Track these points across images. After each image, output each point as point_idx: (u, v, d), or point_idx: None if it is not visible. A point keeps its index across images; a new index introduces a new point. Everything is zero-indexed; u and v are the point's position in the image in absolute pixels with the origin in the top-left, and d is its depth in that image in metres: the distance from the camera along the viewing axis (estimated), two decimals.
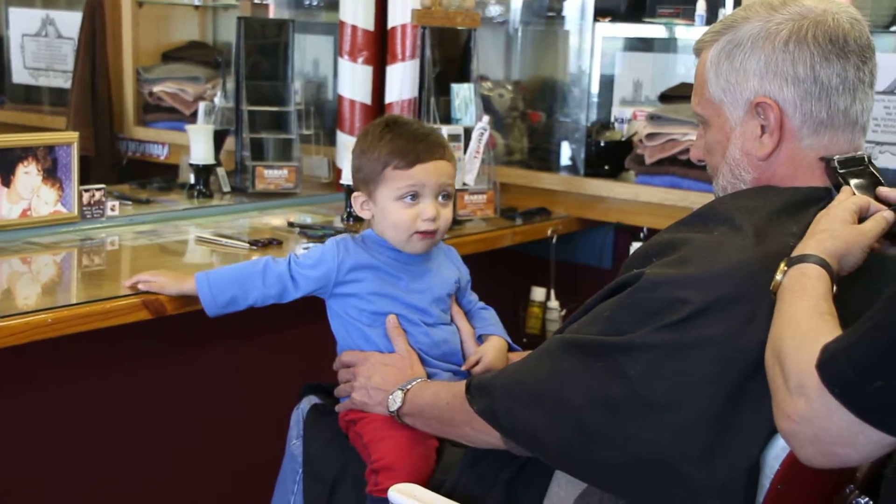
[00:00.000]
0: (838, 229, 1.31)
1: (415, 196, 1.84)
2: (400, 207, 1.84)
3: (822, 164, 1.48)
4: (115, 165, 3.77)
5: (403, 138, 1.84)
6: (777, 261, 1.34)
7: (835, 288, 1.25)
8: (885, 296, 1.09)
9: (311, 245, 2.22)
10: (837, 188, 1.44)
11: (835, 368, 1.09)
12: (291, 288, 1.87)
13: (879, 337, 1.07)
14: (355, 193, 1.91)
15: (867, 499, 1.40)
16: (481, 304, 2.03)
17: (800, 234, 1.39)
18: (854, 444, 1.10)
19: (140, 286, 1.95)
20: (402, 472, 1.76)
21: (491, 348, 1.93)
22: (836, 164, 1.45)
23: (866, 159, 1.46)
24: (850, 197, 1.38)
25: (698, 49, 1.59)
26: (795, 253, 1.29)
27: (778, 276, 1.28)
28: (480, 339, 1.96)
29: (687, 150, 2.70)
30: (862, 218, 1.35)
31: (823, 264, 1.26)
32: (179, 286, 1.93)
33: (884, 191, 1.41)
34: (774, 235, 1.40)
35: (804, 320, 1.19)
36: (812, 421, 1.12)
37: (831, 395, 1.09)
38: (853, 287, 1.32)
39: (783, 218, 1.42)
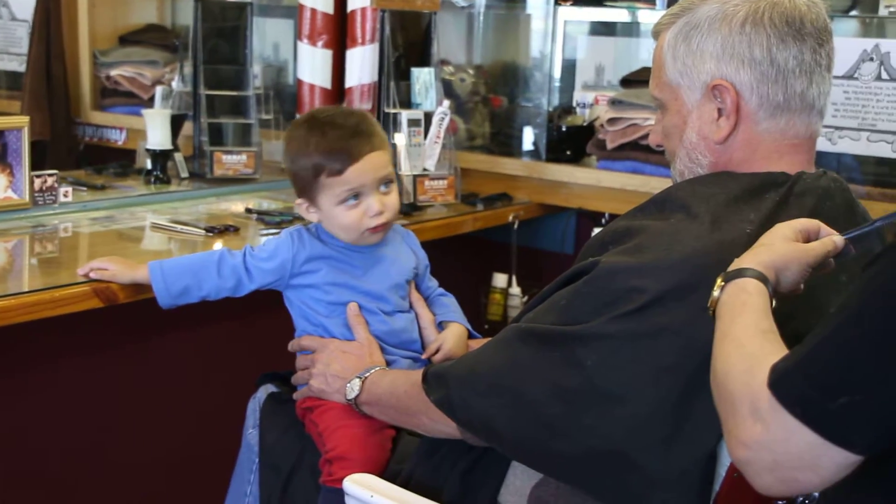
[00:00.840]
0: (777, 244, 1.26)
1: (356, 196, 1.80)
2: (344, 210, 1.80)
3: (779, 147, 1.46)
4: (72, 150, 3.71)
5: (329, 139, 1.79)
6: (734, 248, 1.33)
7: (773, 302, 1.20)
8: (836, 307, 1.05)
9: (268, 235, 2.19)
10: None
11: (792, 387, 1.03)
12: (246, 280, 1.84)
13: (836, 349, 1.02)
14: (298, 200, 1.86)
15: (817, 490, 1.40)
16: (441, 290, 2.02)
17: (757, 221, 1.38)
18: (816, 467, 1.02)
19: (92, 274, 1.91)
20: (356, 461, 1.74)
21: (451, 336, 1.91)
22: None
23: None
24: (799, 218, 1.32)
25: (656, 32, 1.58)
26: (732, 267, 1.24)
27: (715, 293, 1.22)
28: (441, 326, 1.94)
29: (648, 135, 2.68)
30: (809, 239, 1.29)
31: (761, 278, 1.20)
32: (132, 274, 1.89)
33: None
34: (731, 222, 1.39)
35: (748, 340, 1.13)
36: (770, 446, 1.04)
37: (791, 415, 1.02)
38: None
39: (740, 204, 1.41)
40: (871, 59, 2.54)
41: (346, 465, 1.72)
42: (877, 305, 1.00)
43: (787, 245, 1.25)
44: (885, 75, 2.52)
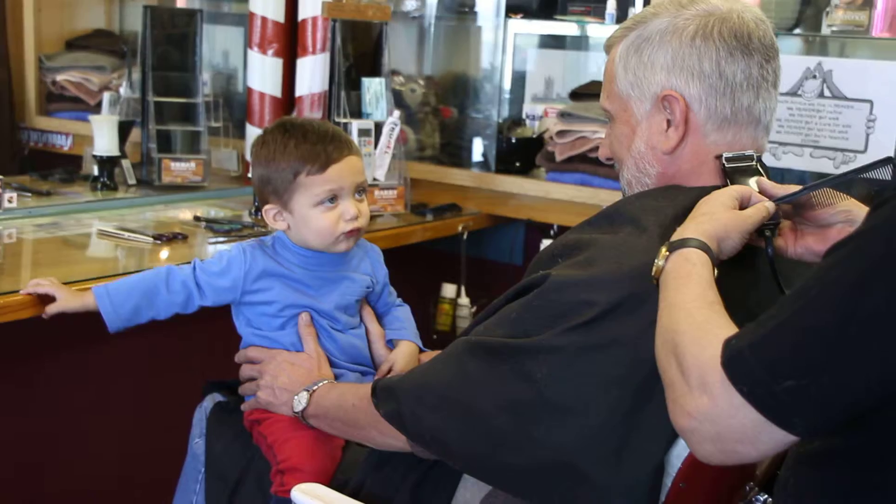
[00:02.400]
0: (718, 213, 1.31)
1: (333, 199, 1.79)
2: (320, 213, 1.79)
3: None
4: (16, 155, 3.67)
5: (309, 141, 1.78)
6: None
7: (716, 272, 1.24)
8: (793, 291, 1.08)
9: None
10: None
11: (743, 366, 1.06)
12: (197, 296, 1.82)
13: (789, 334, 1.05)
14: (266, 206, 1.84)
15: (766, 496, 1.42)
16: (399, 300, 2.00)
17: None
18: (755, 441, 1.07)
19: (39, 291, 1.86)
20: (308, 472, 1.73)
21: (401, 355, 1.90)
22: (724, 161, 1.47)
23: (754, 157, 1.48)
24: (734, 185, 1.40)
25: (608, 45, 1.60)
26: (675, 237, 1.28)
27: (660, 262, 1.27)
28: (391, 343, 1.93)
29: (597, 148, 2.71)
30: (743, 206, 1.36)
31: (705, 248, 1.25)
32: (82, 301, 1.84)
33: (765, 183, 1.42)
34: None
35: (696, 310, 1.17)
36: (715, 419, 1.08)
37: (739, 393, 1.06)
38: (734, 277, 1.33)
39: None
40: (815, 77, 2.59)
41: (298, 476, 1.71)
42: (832, 296, 1.03)
43: (727, 213, 1.31)
44: (827, 93, 2.57)
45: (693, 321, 1.16)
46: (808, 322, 1.04)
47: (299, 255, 1.84)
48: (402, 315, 1.98)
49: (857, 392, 1.02)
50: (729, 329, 1.13)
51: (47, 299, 1.85)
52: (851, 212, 1.38)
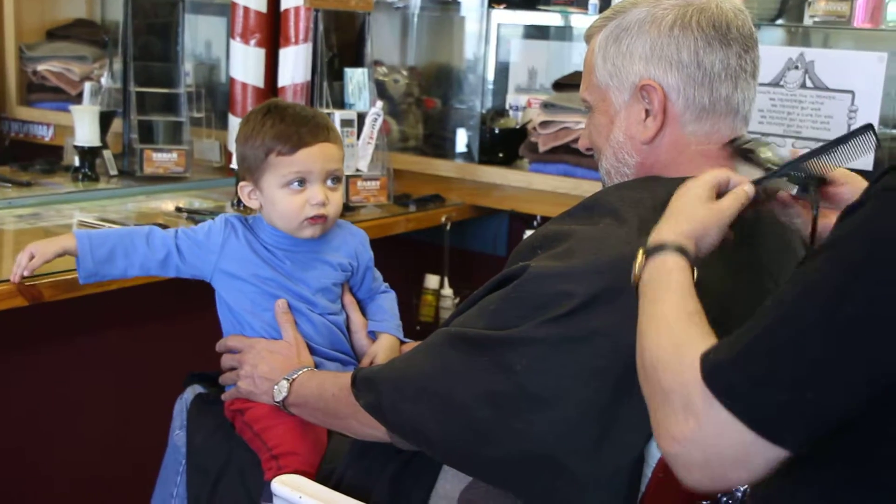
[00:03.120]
0: (694, 209, 1.26)
1: (301, 182, 1.79)
2: (287, 195, 1.79)
3: (704, 151, 1.49)
4: None
5: (285, 122, 1.79)
6: None
7: (696, 273, 1.20)
8: (773, 299, 1.05)
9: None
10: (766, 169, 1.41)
11: (727, 381, 1.01)
12: (176, 257, 1.82)
13: (771, 345, 1.00)
14: (241, 183, 1.85)
15: (745, 486, 1.42)
16: (385, 286, 2.00)
17: None
18: (747, 463, 1.01)
19: (26, 272, 1.82)
20: (302, 455, 1.74)
21: (382, 349, 1.90)
22: (737, 145, 1.45)
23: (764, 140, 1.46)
24: (709, 171, 1.33)
25: (588, 36, 1.60)
26: (651, 241, 1.24)
27: (636, 270, 1.22)
28: (372, 334, 1.93)
29: (579, 139, 2.71)
30: (721, 193, 1.31)
31: (682, 251, 1.20)
32: (57, 244, 1.80)
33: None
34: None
35: (675, 323, 1.13)
36: (702, 442, 1.02)
37: (723, 407, 1.00)
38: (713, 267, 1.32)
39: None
40: (797, 68, 2.59)
41: (294, 460, 1.72)
42: (811, 304, 1.00)
43: (704, 209, 1.26)
44: (809, 83, 2.58)
45: (672, 337, 1.11)
46: (790, 332, 1.00)
47: (274, 234, 1.84)
48: (386, 305, 1.97)
49: (846, 399, 0.99)
50: (709, 342, 1.08)
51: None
52: None
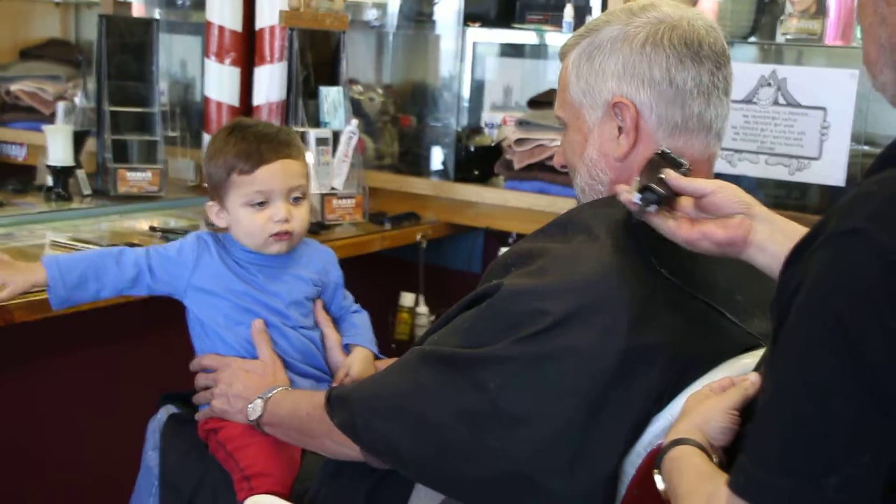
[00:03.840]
0: (697, 405, 1.24)
1: (264, 200, 1.79)
2: (250, 213, 1.79)
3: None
4: None
5: (246, 140, 1.79)
6: (635, 269, 1.36)
7: (715, 458, 1.16)
8: (767, 397, 1.01)
9: None
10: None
11: (769, 489, 0.95)
12: (147, 276, 1.81)
13: (802, 432, 0.94)
14: (208, 203, 1.85)
15: None
16: (356, 306, 2.00)
17: (656, 242, 1.40)
18: None
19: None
20: (274, 476, 1.74)
21: (356, 361, 1.90)
22: (659, 153, 1.45)
23: (684, 165, 1.44)
24: (710, 382, 1.30)
25: (562, 53, 1.60)
26: (665, 443, 1.23)
27: (658, 484, 1.21)
28: (346, 348, 1.92)
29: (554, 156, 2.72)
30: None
31: (683, 442, 1.19)
32: (26, 278, 1.77)
33: (671, 174, 1.39)
34: (632, 244, 1.40)
35: (698, 484, 1.10)
36: None
37: None
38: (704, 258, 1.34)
39: (641, 225, 1.42)
40: (769, 85, 2.61)
41: (266, 481, 1.71)
42: (807, 385, 0.96)
43: (707, 402, 1.24)
44: (781, 100, 2.60)
45: (697, 498, 1.08)
46: (806, 409, 0.96)
47: (245, 250, 1.85)
48: (359, 321, 1.98)
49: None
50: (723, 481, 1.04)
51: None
52: (752, 206, 1.38)
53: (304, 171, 1.85)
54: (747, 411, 1.20)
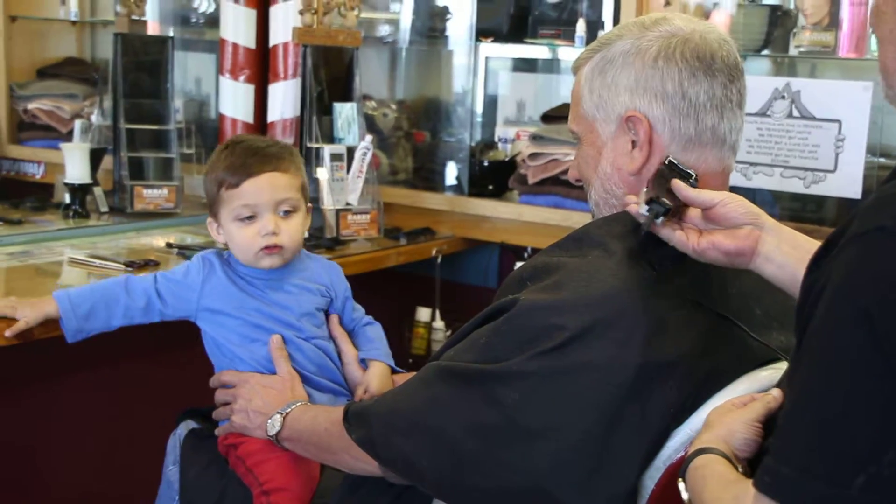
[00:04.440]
0: (720, 418, 1.24)
1: (252, 214, 1.79)
2: (239, 228, 1.80)
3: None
4: None
5: (235, 154, 1.80)
6: (651, 283, 1.36)
7: (740, 468, 1.15)
8: (791, 392, 1.01)
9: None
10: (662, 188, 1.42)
11: (799, 489, 0.94)
12: (158, 303, 1.82)
13: (821, 433, 0.94)
14: (208, 220, 1.86)
15: None
16: (368, 318, 1.99)
17: (671, 255, 1.40)
18: None
19: (7, 334, 1.83)
20: (293, 491, 1.74)
21: (375, 377, 1.90)
22: (666, 163, 1.46)
23: (693, 176, 1.45)
24: (732, 398, 1.30)
25: (575, 67, 1.61)
26: (689, 454, 1.22)
27: (682, 493, 1.20)
28: (363, 363, 1.93)
29: (568, 171, 2.73)
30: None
31: (707, 451, 1.18)
32: (40, 310, 1.81)
33: (679, 185, 1.40)
34: (647, 258, 1.41)
35: (723, 491, 1.10)
36: None
37: None
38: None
39: (656, 239, 1.43)
40: (783, 98, 2.61)
41: (284, 496, 1.72)
42: (837, 383, 0.95)
43: (730, 415, 1.24)
44: (796, 113, 2.60)
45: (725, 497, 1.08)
46: (843, 410, 0.94)
47: (246, 267, 1.85)
48: (373, 334, 1.97)
49: None
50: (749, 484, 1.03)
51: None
52: (759, 216, 1.38)
53: (295, 184, 1.83)
54: (770, 425, 1.20)
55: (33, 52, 3.79)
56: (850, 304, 0.95)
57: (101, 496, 2.41)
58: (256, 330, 1.83)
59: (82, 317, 1.79)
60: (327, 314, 1.94)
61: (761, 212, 1.40)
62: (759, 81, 2.64)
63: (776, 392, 1.24)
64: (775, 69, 2.85)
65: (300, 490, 1.74)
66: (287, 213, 1.82)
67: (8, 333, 1.83)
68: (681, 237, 1.39)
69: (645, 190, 1.42)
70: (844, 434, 0.93)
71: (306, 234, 2.04)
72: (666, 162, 1.46)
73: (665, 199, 1.37)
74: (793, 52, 2.69)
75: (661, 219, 1.37)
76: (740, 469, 1.16)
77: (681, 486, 1.21)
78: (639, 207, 1.39)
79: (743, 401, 1.26)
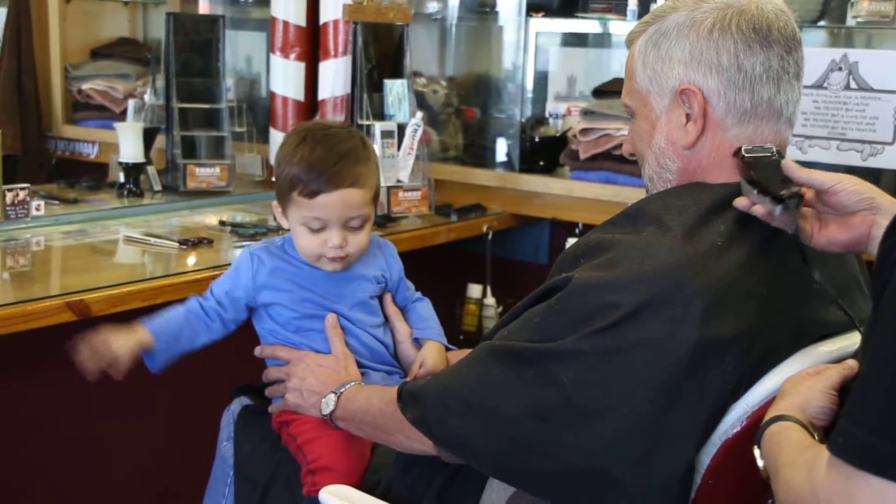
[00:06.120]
0: (796, 386, 1.24)
1: (322, 225, 1.77)
2: (305, 233, 1.78)
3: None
4: (44, 164, 3.71)
5: (313, 158, 1.74)
6: (706, 260, 1.34)
7: (816, 436, 1.15)
8: (876, 355, 0.99)
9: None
10: (749, 181, 1.41)
11: (873, 452, 0.94)
12: (223, 313, 1.82)
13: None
14: (274, 202, 1.85)
15: None
16: (418, 294, 1.99)
17: (726, 233, 1.38)
18: None
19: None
20: (339, 471, 1.74)
21: (430, 354, 1.88)
22: (744, 153, 1.44)
23: (773, 150, 1.44)
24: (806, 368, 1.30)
25: (629, 41, 1.59)
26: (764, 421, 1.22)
27: (758, 460, 1.20)
28: (417, 342, 1.92)
29: (621, 146, 2.70)
30: None
31: (783, 418, 1.18)
32: (134, 339, 1.77)
33: (790, 166, 1.39)
34: (702, 235, 1.39)
35: (794, 463, 1.09)
36: None
37: (882, 478, 0.92)
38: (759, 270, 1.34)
39: (711, 216, 1.41)
40: (840, 69, 2.57)
41: (330, 476, 1.72)
42: None
43: (806, 382, 1.24)
44: (853, 85, 2.55)
45: (798, 472, 1.08)
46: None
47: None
48: (425, 312, 1.96)
49: None
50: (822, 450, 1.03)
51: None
52: (875, 199, 1.36)
53: (368, 198, 1.80)
54: (846, 394, 1.18)
55: (87, 33, 3.83)
56: None
57: (156, 472, 2.44)
58: (309, 320, 1.83)
59: (170, 340, 1.80)
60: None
61: (876, 191, 1.37)
62: (816, 53, 2.60)
63: (852, 361, 1.22)
64: (832, 40, 2.80)
65: (347, 469, 1.75)
66: (357, 229, 1.80)
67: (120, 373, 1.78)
68: (806, 229, 1.38)
69: (749, 187, 1.39)
70: None
71: None
72: (741, 153, 1.44)
73: (785, 191, 1.34)
74: (850, 22, 2.64)
75: (798, 211, 1.35)
76: (816, 437, 1.15)
77: (756, 452, 1.20)
78: (767, 208, 1.35)
79: (817, 369, 1.25)
